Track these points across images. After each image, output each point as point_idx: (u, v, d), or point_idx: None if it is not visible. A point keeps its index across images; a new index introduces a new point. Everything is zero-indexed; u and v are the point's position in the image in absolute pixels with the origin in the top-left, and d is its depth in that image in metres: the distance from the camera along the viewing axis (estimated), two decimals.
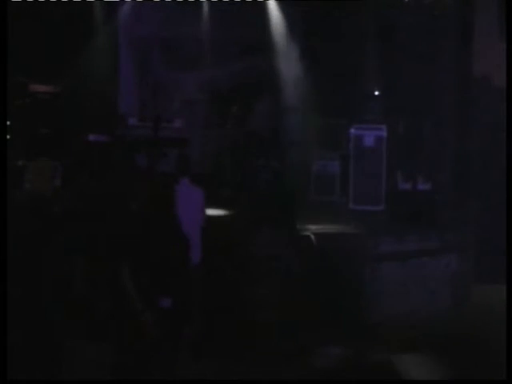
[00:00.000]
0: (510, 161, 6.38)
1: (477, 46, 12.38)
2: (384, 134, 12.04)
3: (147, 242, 6.01)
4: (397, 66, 12.50)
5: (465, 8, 12.50)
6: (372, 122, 12.28)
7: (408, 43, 12.44)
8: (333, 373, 7.27)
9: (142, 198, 6.52)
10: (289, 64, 13.26)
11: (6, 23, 5.79)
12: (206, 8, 13.22)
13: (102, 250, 6.68)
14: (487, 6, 12.00)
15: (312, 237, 9.73)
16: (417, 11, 12.49)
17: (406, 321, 8.95)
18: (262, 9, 13.19)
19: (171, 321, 6.16)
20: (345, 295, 8.93)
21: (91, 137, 11.67)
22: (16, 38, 10.90)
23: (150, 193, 6.35)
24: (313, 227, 10.27)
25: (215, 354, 7.66)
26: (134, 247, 5.97)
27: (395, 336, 8.37)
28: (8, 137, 10.90)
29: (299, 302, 8.47)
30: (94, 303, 7.71)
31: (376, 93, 12.85)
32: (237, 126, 12.41)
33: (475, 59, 12.48)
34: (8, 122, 10.97)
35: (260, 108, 12.81)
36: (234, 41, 13.18)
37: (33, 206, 5.92)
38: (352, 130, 12.13)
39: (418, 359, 7.77)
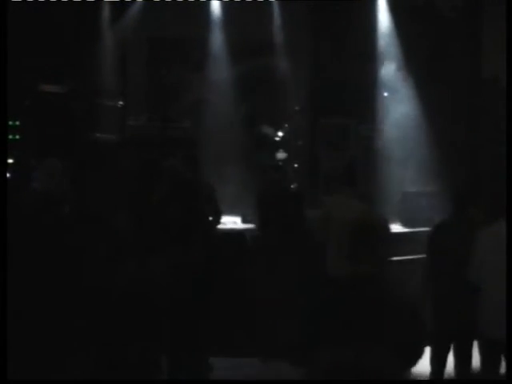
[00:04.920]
0: (510, 161, 6.41)
1: (486, 48, 12.38)
2: (391, 134, 12.05)
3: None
4: (404, 66, 12.51)
5: (474, 9, 12.50)
6: (379, 122, 12.30)
7: (417, 44, 12.45)
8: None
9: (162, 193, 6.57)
10: (296, 64, 13.26)
11: (6, 23, 5.82)
12: (214, 8, 13.24)
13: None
14: (496, 5, 11.99)
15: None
16: (426, 11, 12.50)
17: None
18: (270, 8, 13.20)
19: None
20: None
21: (100, 136, 11.73)
22: (25, 39, 10.96)
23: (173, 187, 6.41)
24: None
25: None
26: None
27: None
28: (17, 137, 11.01)
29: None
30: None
31: (385, 94, 12.84)
32: (245, 126, 12.44)
33: (484, 61, 12.47)
34: (17, 122, 11.08)
35: (268, 108, 12.82)
36: (242, 41, 13.19)
37: (41, 206, 5.95)
38: (360, 131, 12.14)
39: None
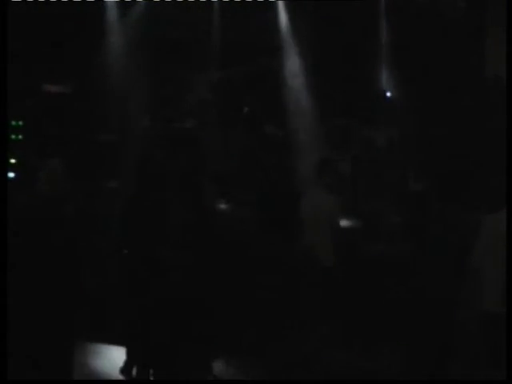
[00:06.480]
0: (510, 160, 6.55)
1: (489, 46, 12.38)
2: (395, 134, 12.05)
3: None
4: (408, 66, 12.51)
5: (477, 8, 12.51)
6: (383, 122, 12.30)
7: (420, 44, 12.45)
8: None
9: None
10: (299, 64, 13.28)
11: (7, 23, 5.85)
12: (217, 8, 13.25)
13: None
14: (499, 5, 12.00)
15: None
16: (429, 11, 12.51)
17: None
18: (273, 9, 13.21)
19: None
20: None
21: (102, 136, 11.75)
22: (28, 39, 11.00)
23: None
24: None
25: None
26: None
27: None
28: (20, 137, 11.04)
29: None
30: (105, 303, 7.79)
31: (388, 94, 12.85)
32: (248, 127, 12.44)
33: (487, 59, 12.47)
34: (21, 122, 11.11)
35: (271, 108, 12.83)
36: (245, 41, 13.20)
37: (44, 206, 5.98)
38: (363, 131, 12.14)
39: None
